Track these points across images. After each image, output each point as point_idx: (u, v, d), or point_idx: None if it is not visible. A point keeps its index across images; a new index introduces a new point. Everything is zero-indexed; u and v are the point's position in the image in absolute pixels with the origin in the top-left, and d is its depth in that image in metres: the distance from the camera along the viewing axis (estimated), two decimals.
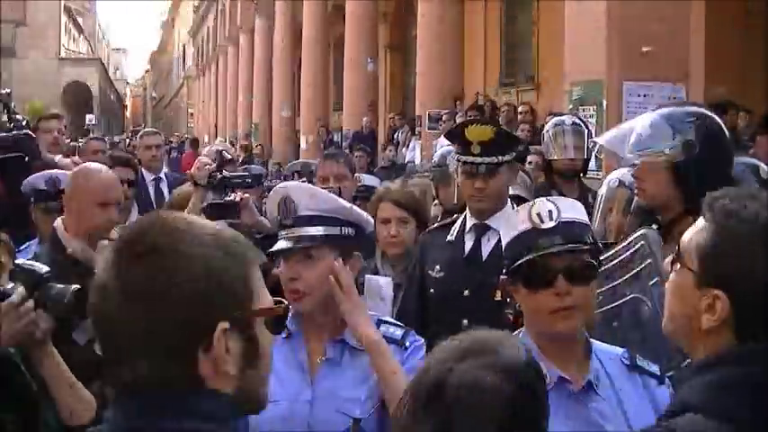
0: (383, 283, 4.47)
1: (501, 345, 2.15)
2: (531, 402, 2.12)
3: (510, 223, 3.24)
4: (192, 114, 75.71)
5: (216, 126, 56.45)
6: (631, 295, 3.94)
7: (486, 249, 4.73)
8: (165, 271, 1.81)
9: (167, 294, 1.80)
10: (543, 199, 3.24)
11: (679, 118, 4.03)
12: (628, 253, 4.04)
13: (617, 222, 4.86)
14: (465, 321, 4.46)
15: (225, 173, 5.83)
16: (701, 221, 2.28)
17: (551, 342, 3.09)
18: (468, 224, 4.83)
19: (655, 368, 3.20)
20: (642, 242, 3.99)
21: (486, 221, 4.75)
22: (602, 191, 5.14)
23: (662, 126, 4.01)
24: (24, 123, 10.43)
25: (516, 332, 3.19)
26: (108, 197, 4.69)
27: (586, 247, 3.11)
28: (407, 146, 20.31)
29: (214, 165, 5.78)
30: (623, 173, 4.90)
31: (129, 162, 7.11)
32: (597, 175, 9.44)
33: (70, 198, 4.76)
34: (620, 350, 3.24)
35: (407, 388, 2.19)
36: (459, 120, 17.58)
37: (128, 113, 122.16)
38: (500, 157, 4.67)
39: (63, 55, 76.32)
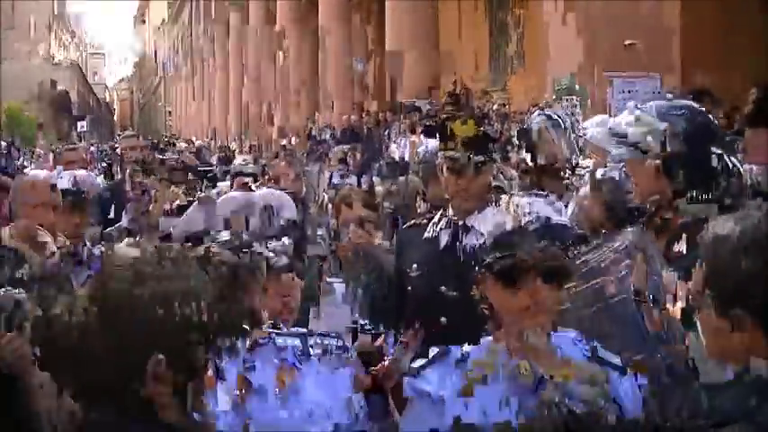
0: (339, 287, 4.63)
1: None
2: None
3: (491, 219, 3.23)
4: (170, 113, 75.68)
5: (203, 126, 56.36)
6: (620, 296, 3.88)
7: (463, 246, 4.59)
8: None
9: None
10: (524, 197, 3.24)
11: (665, 111, 3.98)
12: (615, 253, 3.98)
13: (596, 216, 4.83)
14: (443, 319, 4.44)
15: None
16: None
17: (521, 338, 3.11)
18: (447, 221, 4.70)
19: (617, 360, 3.24)
20: (628, 242, 3.94)
21: (465, 219, 4.59)
22: (585, 186, 5.12)
23: (648, 121, 3.95)
24: None
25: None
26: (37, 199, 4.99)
27: (562, 248, 3.19)
28: (397, 143, 20.10)
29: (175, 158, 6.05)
30: (610, 167, 4.88)
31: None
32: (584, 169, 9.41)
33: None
34: (571, 333, 3.27)
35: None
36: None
37: (116, 118, 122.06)
38: (482, 156, 4.58)
39: (39, 58, 76.14)
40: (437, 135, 4.84)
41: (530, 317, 3.10)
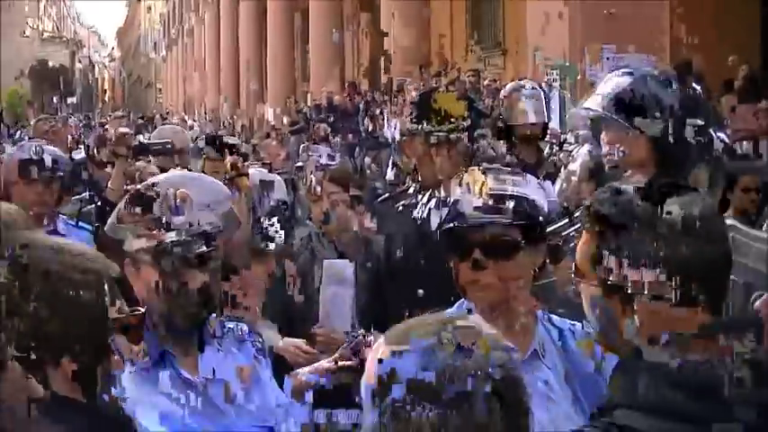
0: (343, 266, 4.45)
1: None
2: None
3: (448, 190, 3.20)
4: (160, 90, 75.47)
5: (185, 103, 56.23)
6: None
7: (436, 218, 4.57)
8: None
9: None
10: (476, 168, 3.17)
11: (657, 82, 4.03)
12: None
13: (587, 190, 4.83)
14: (420, 291, 4.43)
15: (142, 140, 5.77)
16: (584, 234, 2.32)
17: (488, 311, 2.99)
18: (421, 194, 4.72)
19: (566, 323, 3.18)
20: None
21: (436, 189, 4.63)
22: (573, 162, 5.14)
23: (644, 91, 3.98)
24: None
25: (460, 301, 3.14)
26: None
27: (509, 221, 3.04)
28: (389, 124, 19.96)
29: (131, 133, 5.83)
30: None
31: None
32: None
33: None
34: (568, 323, 3.18)
35: None
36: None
37: (107, 96, 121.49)
38: (461, 130, 4.62)
39: (29, 33, 75.77)
40: (418, 108, 4.76)
41: (476, 290, 3.03)
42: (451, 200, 3.15)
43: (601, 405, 2.23)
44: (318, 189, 5.22)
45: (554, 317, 3.19)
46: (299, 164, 5.16)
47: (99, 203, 5.70)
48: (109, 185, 5.81)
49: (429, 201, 4.71)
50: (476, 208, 3.03)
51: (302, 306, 4.85)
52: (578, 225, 3.86)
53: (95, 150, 8.15)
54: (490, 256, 3.01)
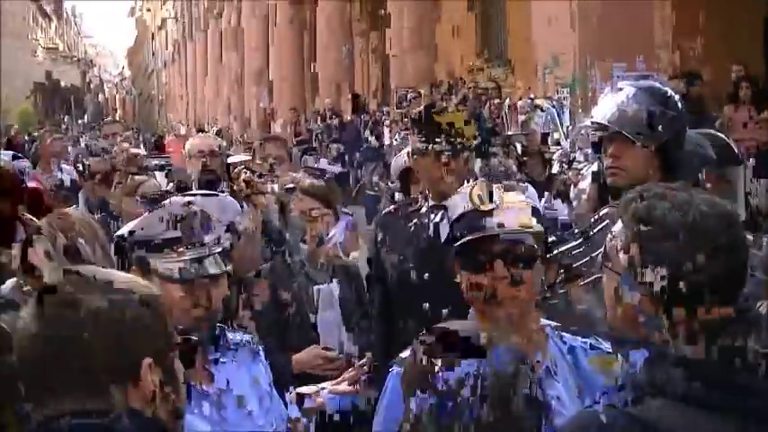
0: (333, 290, 4.52)
1: None
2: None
3: (452, 205, 3.20)
4: (167, 107, 75.59)
5: (187, 112, 56.26)
6: (596, 275, 3.88)
7: (444, 231, 4.61)
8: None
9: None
10: (484, 180, 3.19)
11: (658, 95, 4.06)
12: (593, 232, 3.99)
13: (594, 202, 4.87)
14: (426, 305, 4.43)
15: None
16: (618, 225, 2.37)
17: (496, 325, 2.99)
18: (426, 207, 4.72)
19: (606, 346, 3.17)
20: (607, 221, 3.94)
21: (444, 203, 4.63)
22: (583, 180, 5.15)
23: (647, 104, 3.99)
24: None
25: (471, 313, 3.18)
26: None
27: (527, 231, 3.07)
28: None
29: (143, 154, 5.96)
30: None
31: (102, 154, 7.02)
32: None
33: None
34: (580, 340, 3.21)
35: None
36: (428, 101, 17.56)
37: (118, 115, 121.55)
38: (466, 142, 4.61)
39: (40, 52, 76.00)
40: (420, 123, 4.76)
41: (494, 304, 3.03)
42: (458, 212, 3.15)
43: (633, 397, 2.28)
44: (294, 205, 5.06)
45: (565, 334, 3.21)
46: (290, 185, 5.02)
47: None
48: (112, 200, 5.96)
49: (439, 218, 4.67)
50: (489, 217, 3.05)
51: (298, 331, 4.79)
52: (590, 247, 3.91)
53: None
54: (512, 266, 3.03)
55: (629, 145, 3.96)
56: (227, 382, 3.29)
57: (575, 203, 5.10)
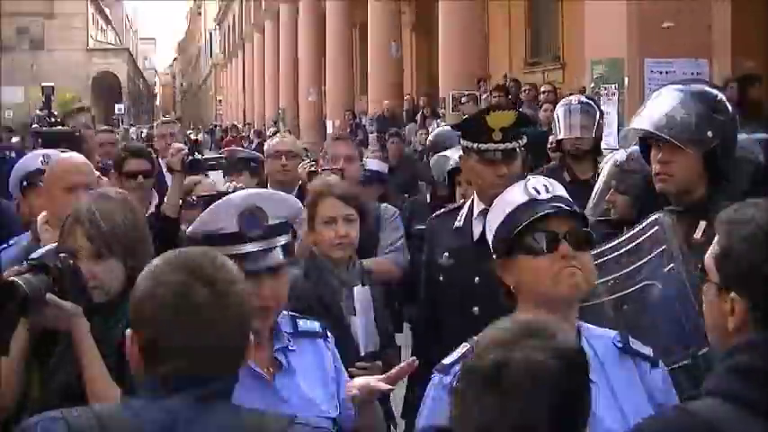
0: (362, 293, 4.53)
1: (556, 329, 2.29)
2: (584, 387, 2.29)
3: (503, 201, 3.23)
4: (220, 101, 76.06)
5: (244, 112, 56.57)
6: (644, 282, 3.85)
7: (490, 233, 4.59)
8: None
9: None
10: (535, 175, 3.28)
11: (708, 99, 4.02)
12: (641, 238, 3.95)
13: (620, 201, 4.85)
14: (476, 309, 4.43)
15: (198, 155, 5.84)
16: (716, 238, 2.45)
17: (558, 314, 3.01)
18: (477, 209, 4.70)
19: (648, 350, 3.18)
20: (657, 227, 3.91)
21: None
22: (606, 169, 5.12)
23: (696, 109, 3.97)
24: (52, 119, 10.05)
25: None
26: (72, 181, 4.56)
27: (581, 215, 3.19)
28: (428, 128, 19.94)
29: (186, 149, 5.88)
30: (624, 152, 4.90)
31: (142, 152, 6.77)
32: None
33: (44, 187, 4.73)
34: (612, 333, 3.21)
35: (461, 373, 2.32)
36: (483, 101, 17.49)
37: (158, 102, 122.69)
38: (519, 142, 4.60)
39: (91, 46, 76.69)
40: (472, 127, 4.74)
41: (566, 278, 3.06)
42: (515, 204, 3.16)
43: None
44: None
45: (596, 330, 3.21)
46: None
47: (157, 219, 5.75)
48: (166, 201, 5.90)
49: (471, 210, 4.74)
50: (549, 203, 3.11)
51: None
52: (636, 253, 3.88)
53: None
54: (576, 246, 3.08)
55: (678, 151, 3.93)
56: (294, 369, 3.37)
57: (596, 198, 5.05)
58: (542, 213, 3.08)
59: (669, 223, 3.89)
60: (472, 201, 4.78)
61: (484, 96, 18.36)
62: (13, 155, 18.20)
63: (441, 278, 4.77)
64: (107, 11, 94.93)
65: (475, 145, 4.62)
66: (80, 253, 3.42)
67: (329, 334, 3.58)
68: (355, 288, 4.54)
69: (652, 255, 3.86)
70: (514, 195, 3.17)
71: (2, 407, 3.37)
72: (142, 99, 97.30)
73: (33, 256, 3.41)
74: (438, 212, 5.13)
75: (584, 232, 3.12)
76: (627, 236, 4.00)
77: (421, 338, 4.99)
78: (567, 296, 3.07)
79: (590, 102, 7.33)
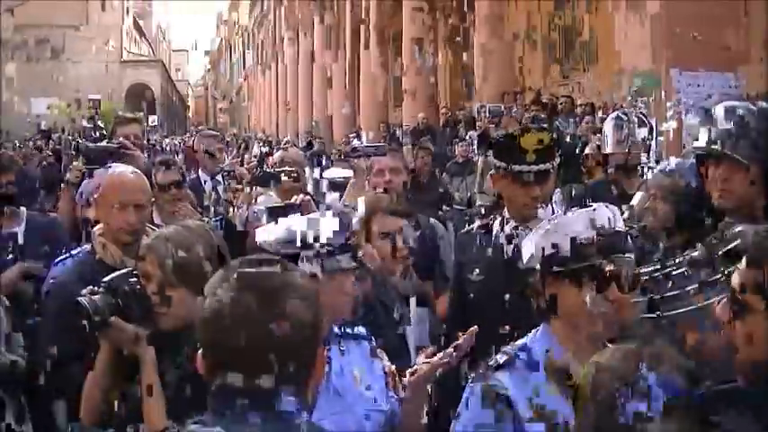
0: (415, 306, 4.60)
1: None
2: None
3: (565, 224, 3.24)
4: (251, 112, 76.20)
5: (277, 125, 56.65)
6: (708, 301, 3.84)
7: (527, 252, 4.60)
8: None
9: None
10: (602, 205, 3.28)
11: (762, 115, 3.99)
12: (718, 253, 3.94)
13: (661, 208, 4.81)
14: (507, 327, 4.42)
15: (267, 168, 5.89)
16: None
17: (585, 344, 3.14)
18: (508, 227, 4.72)
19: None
20: (738, 241, 3.87)
21: (527, 225, 4.59)
22: (653, 178, 5.10)
23: (757, 125, 3.95)
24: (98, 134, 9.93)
25: (534, 330, 3.30)
26: (124, 198, 4.63)
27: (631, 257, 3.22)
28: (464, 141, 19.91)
29: (255, 161, 5.97)
30: (675, 161, 4.88)
31: (169, 164, 6.84)
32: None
33: (99, 202, 4.77)
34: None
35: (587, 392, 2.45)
36: (519, 115, 17.44)
37: (190, 113, 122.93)
38: (553, 163, 4.62)
39: (125, 57, 77.10)
40: (504, 148, 4.73)
41: (609, 319, 3.15)
42: (574, 232, 3.19)
43: None
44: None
45: None
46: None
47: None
48: (236, 211, 6.07)
49: (502, 227, 4.74)
50: (609, 242, 3.16)
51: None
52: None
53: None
54: (624, 290, 3.16)
55: (737, 167, 3.92)
56: (347, 366, 3.52)
57: (636, 211, 4.99)
58: (597, 260, 3.14)
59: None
60: (503, 217, 4.78)
61: (514, 111, 18.35)
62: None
63: (471, 295, 4.77)
64: (141, 22, 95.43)
65: (508, 166, 4.63)
66: (151, 279, 3.51)
67: (373, 338, 3.70)
68: (411, 299, 4.65)
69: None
70: (578, 224, 3.20)
71: (88, 420, 3.51)
72: (175, 111, 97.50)
73: (106, 278, 3.50)
74: (468, 228, 5.11)
75: (634, 276, 3.21)
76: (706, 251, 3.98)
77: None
78: (602, 336, 3.16)
79: (638, 116, 7.28)
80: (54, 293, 4.47)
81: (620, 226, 3.23)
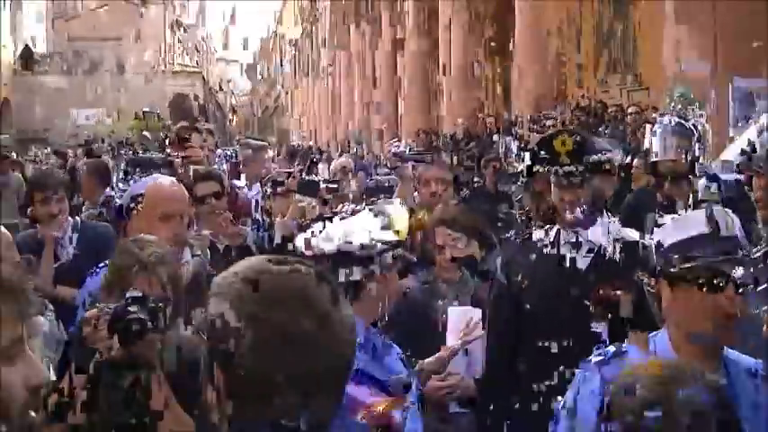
0: (471, 313, 4.57)
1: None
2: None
3: (685, 222, 3.23)
4: (294, 122, 76.66)
5: (316, 132, 56.94)
6: None
7: (582, 263, 4.52)
8: None
9: None
10: (720, 208, 3.29)
11: None
12: None
13: None
14: (562, 340, 4.42)
15: (313, 177, 6.05)
16: None
17: (695, 346, 3.12)
18: (563, 236, 4.61)
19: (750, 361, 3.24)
20: None
21: (578, 232, 4.56)
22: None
23: None
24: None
25: (653, 334, 3.28)
26: (165, 209, 4.58)
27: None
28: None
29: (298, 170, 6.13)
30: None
31: (211, 175, 6.78)
32: None
33: (141, 213, 4.68)
34: (752, 361, 3.25)
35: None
36: (564, 121, 17.39)
37: (233, 123, 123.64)
38: (583, 167, 4.52)
39: (167, 68, 77.66)
40: (543, 149, 4.66)
41: (724, 321, 3.11)
42: (690, 233, 3.18)
43: None
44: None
45: (732, 354, 3.24)
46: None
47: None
48: (282, 220, 6.15)
49: (554, 236, 4.65)
50: (727, 243, 3.14)
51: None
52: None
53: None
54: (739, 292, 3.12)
55: None
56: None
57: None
58: (717, 259, 3.11)
59: None
60: (556, 225, 4.67)
61: (560, 116, 18.27)
62: None
63: (527, 306, 4.63)
64: (185, 33, 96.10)
65: (544, 168, 4.59)
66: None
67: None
68: (452, 308, 4.67)
69: None
70: (695, 222, 3.19)
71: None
72: (218, 122, 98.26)
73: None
74: (516, 237, 5.14)
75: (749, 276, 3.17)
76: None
77: (495, 369, 4.73)
78: (720, 340, 3.14)
79: (685, 122, 7.17)
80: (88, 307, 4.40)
81: (737, 231, 3.21)
